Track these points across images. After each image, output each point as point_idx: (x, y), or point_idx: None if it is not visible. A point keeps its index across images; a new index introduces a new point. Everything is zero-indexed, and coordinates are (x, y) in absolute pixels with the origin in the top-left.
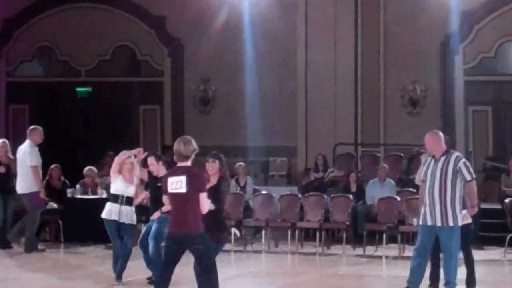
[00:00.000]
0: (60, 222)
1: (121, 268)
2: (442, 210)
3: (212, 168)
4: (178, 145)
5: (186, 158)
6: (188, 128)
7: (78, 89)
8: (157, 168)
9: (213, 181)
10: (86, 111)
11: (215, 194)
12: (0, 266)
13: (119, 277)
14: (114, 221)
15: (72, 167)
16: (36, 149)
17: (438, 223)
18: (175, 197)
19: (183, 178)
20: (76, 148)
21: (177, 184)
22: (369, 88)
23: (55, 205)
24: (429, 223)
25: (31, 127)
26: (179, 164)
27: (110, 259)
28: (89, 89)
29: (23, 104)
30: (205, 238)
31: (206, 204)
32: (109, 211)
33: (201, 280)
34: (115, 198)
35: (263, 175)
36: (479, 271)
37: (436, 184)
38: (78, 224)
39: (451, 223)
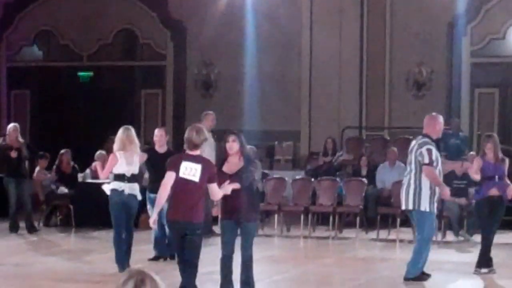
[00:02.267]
0: (71, 206)
1: None
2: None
3: (232, 147)
4: (190, 133)
5: (196, 146)
6: (190, 112)
7: (80, 73)
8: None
9: (236, 161)
10: (88, 96)
11: (243, 174)
12: (15, 251)
13: None
14: None
15: (74, 152)
16: (208, 135)
17: None
18: (185, 183)
19: (198, 167)
20: (77, 132)
21: (191, 171)
22: (374, 70)
23: (65, 190)
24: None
25: (204, 112)
26: (189, 152)
27: None
28: (91, 73)
29: (24, 89)
30: (202, 232)
31: (217, 194)
32: None
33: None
34: None
35: (269, 160)
36: (495, 256)
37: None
38: (88, 209)
39: None
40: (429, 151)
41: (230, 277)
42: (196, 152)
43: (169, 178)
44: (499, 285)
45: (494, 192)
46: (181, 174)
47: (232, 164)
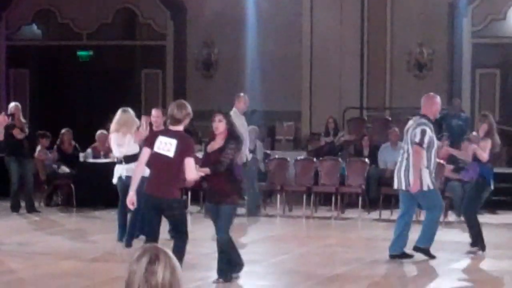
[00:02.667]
0: (72, 186)
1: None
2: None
3: (218, 127)
4: (171, 109)
5: (178, 121)
6: (190, 93)
7: (79, 52)
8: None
9: (220, 141)
10: (87, 75)
11: (221, 154)
12: (18, 230)
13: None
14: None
15: (74, 131)
16: (241, 117)
17: None
18: (159, 158)
19: (173, 142)
20: (77, 112)
21: (165, 146)
22: (375, 51)
23: (67, 170)
24: None
25: (236, 95)
26: (171, 127)
27: None
28: (90, 53)
29: (23, 68)
30: (182, 204)
31: (191, 171)
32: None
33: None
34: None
35: (270, 140)
36: (496, 236)
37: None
38: (90, 189)
39: None
40: (423, 132)
41: (225, 259)
42: (178, 128)
43: (143, 154)
44: (502, 265)
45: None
46: (155, 149)
47: (216, 144)
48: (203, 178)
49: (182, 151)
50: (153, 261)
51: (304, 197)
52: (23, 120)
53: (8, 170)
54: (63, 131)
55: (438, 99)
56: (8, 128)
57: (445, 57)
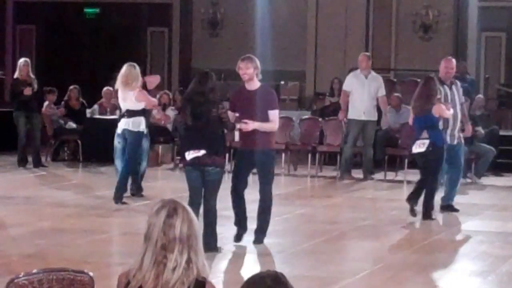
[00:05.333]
0: (79, 141)
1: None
2: None
3: None
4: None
5: None
6: (196, 51)
7: (86, 10)
8: None
9: None
10: (94, 32)
11: None
12: (25, 184)
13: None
14: None
15: (80, 88)
16: (360, 76)
17: None
18: None
19: None
20: (83, 69)
21: None
22: (381, 12)
23: (73, 125)
24: None
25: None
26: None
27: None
28: (97, 10)
29: (30, 24)
30: None
31: None
32: None
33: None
34: None
35: None
36: (501, 198)
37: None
38: (96, 144)
39: None
40: None
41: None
42: None
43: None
44: (507, 227)
45: None
46: None
47: None
48: None
49: None
50: (171, 214)
51: (309, 156)
52: (32, 76)
53: (16, 125)
54: (71, 87)
55: (448, 62)
56: (19, 85)
57: (451, 20)
